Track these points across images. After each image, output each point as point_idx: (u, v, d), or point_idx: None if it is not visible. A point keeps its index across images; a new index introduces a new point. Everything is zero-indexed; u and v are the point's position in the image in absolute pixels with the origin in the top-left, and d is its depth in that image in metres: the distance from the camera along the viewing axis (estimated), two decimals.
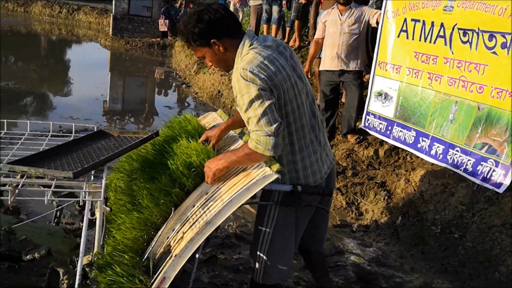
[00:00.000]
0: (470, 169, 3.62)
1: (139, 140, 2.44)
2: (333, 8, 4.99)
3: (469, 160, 3.64)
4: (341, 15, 4.87)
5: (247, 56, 2.00)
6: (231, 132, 2.63)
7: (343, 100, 5.58)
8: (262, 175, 1.98)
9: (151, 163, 2.44)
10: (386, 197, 4.16)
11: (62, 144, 2.33)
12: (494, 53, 3.54)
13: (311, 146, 2.16)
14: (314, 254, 2.54)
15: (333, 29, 4.92)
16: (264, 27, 8.85)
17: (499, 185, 3.35)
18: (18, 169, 1.88)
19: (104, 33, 17.28)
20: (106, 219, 2.37)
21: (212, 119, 3.05)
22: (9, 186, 1.72)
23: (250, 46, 2.05)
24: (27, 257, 1.90)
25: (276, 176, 1.93)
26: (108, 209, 2.35)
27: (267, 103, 1.93)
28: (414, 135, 4.19)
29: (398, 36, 4.41)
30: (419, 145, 4.12)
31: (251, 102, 1.92)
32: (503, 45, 3.48)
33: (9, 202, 1.85)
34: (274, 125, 1.94)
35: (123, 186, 2.45)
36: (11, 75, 9.56)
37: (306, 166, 2.15)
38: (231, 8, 10.79)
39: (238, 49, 2.06)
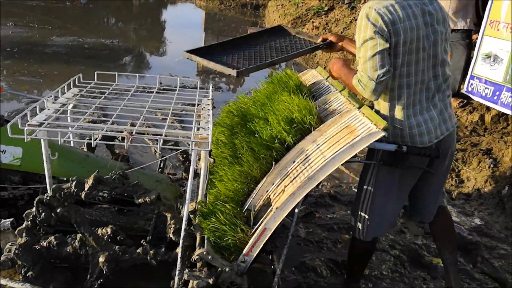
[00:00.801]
0: None
1: (308, 48, 2.56)
2: None
3: None
4: None
5: None
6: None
7: (448, 59, 5.22)
8: (367, 133, 1.92)
9: (253, 117, 2.46)
10: (492, 165, 3.90)
11: (238, 37, 2.63)
12: None
13: (421, 105, 2.06)
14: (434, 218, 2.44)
15: None
16: None
17: None
18: (194, 58, 2.28)
19: None
20: (209, 171, 2.45)
21: (312, 76, 3.00)
22: (125, 132, 1.82)
23: None
24: (139, 200, 2.02)
25: (382, 133, 1.86)
26: (211, 160, 2.43)
27: (379, 47, 1.92)
28: None
29: None
30: None
31: (364, 42, 1.96)
32: None
33: (125, 148, 1.96)
34: (379, 72, 1.93)
35: (225, 140, 2.51)
36: (114, 34, 10.09)
37: (412, 125, 2.07)
38: None
39: None
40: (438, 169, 2.24)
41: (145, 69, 8.27)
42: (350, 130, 2.04)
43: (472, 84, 4.48)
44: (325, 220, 3.06)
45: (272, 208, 1.98)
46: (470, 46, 4.65)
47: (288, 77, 2.62)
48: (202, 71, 8.11)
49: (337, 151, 1.92)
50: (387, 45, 1.93)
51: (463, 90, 4.59)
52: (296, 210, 2.04)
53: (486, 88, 4.31)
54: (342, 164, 1.95)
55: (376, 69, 1.94)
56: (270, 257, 2.34)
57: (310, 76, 3.00)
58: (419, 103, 2.08)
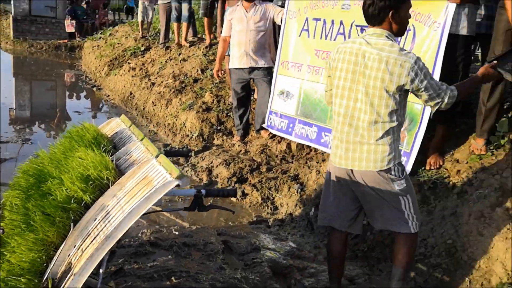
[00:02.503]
0: None
1: None
2: (237, 5, 5.02)
3: None
4: (247, 12, 4.92)
5: None
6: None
7: (255, 96, 5.65)
8: (163, 183, 1.96)
9: (48, 176, 2.32)
10: (299, 190, 4.28)
11: None
12: None
13: None
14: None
15: (239, 26, 4.96)
16: (174, 25, 8.74)
17: None
18: None
19: (5, 35, 16.15)
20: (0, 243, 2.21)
21: (116, 125, 2.96)
22: None
23: None
24: None
25: (176, 183, 1.91)
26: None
27: None
28: (316, 130, 4.35)
29: (300, 35, 4.55)
30: (322, 140, 4.29)
31: None
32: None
33: None
34: None
35: (19, 204, 2.31)
36: None
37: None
38: (140, 8, 10.52)
39: None
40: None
41: None
42: (147, 181, 2.05)
43: (271, 118, 4.92)
44: (145, 269, 2.99)
45: (71, 274, 1.87)
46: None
47: (85, 130, 2.54)
48: (16, 119, 7.39)
49: (133, 205, 1.91)
50: None
51: (264, 125, 5.01)
52: (101, 271, 1.96)
53: (281, 121, 4.77)
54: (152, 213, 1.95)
55: None
56: None
57: (114, 125, 2.96)
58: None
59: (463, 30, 3.52)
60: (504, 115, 3.79)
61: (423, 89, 2.31)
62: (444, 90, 2.35)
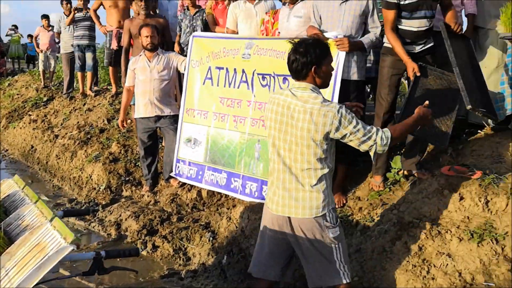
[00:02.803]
0: None
1: None
2: (140, 55, 5.01)
3: None
4: (150, 61, 4.92)
5: None
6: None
7: (163, 144, 5.60)
8: (56, 249, 1.85)
9: None
10: (211, 238, 4.24)
11: None
12: None
13: None
14: None
15: (143, 76, 4.94)
16: (78, 74, 8.50)
17: None
18: None
19: None
20: None
21: (8, 186, 2.77)
22: None
23: None
24: None
25: (70, 248, 1.82)
26: None
27: None
28: (226, 176, 4.39)
29: (204, 84, 4.63)
30: (232, 186, 4.32)
31: None
32: None
33: None
34: None
35: None
36: None
37: None
38: (41, 57, 10.13)
39: None
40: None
41: None
42: (40, 248, 1.93)
43: (178, 166, 4.89)
44: None
45: None
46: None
47: None
48: None
49: (23, 277, 1.78)
50: None
51: (172, 174, 4.96)
52: None
53: (190, 169, 4.76)
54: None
55: None
56: None
57: (5, 187, 2.77)
58: None
59: (354, 75, 3.79)
60: (398, 152, 4.10)
61: (349, 134, 2.42)
62: (374, 132, 2.45)
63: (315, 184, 2.47)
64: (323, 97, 2.45)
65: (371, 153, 2.51)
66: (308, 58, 2.41)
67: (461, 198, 3.25)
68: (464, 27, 4.01)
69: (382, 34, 3.77)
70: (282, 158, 2.51)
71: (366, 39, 3.72)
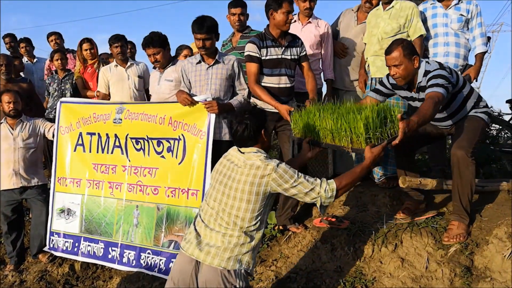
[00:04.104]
0: (164, 268, 3.79)
1: None
2: (1, 122, 4.66)
3: (161, 259, 3.83)
4: (13, 129, 4.60)
5: None
6: None
7: (30, 217, 5.15)
8: None
9: None
10: None
11: None
12: (163, 156, 3.94)
13: None
14: None
15: (5, 145, 4.58)
16: None
17: None
18: None
19: None
20: None
21: None
22: None
23: None
24: None
25: None
26: None
27: None
28: (103, 246, 4.17)
29: (75, 150, 4.43)
30: (109, 256, 4.11)
31: None
32: (169, 149, 3.90)
33: None
34: None
35: None
36: None
37: None
38: None
39: None
40: None
41: None
42: None
43: (53, 240, 4.54)
44: None
45: None
46: (47, 200, 4.73)
47: None
48: None
49: None
50: None
51: (46, 248, 4.59)
52: None
53: (66, 241, 4.45)
54: None
55: None
56: None
57: None
58: None
59: (226, 136, 3.90)
60: (273, 207, 4.24)
61: (290, 188, 2.47)
62: (318, 184, 2.50)
63: (242, 241, 2.51)
64: (266, 155, 2.58)
65: (318, 205, 2.56)
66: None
67: (333, 249, 3.44)
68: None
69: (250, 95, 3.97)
70: (216, 210, 2.56)
71: (235, 101, 3.89)
